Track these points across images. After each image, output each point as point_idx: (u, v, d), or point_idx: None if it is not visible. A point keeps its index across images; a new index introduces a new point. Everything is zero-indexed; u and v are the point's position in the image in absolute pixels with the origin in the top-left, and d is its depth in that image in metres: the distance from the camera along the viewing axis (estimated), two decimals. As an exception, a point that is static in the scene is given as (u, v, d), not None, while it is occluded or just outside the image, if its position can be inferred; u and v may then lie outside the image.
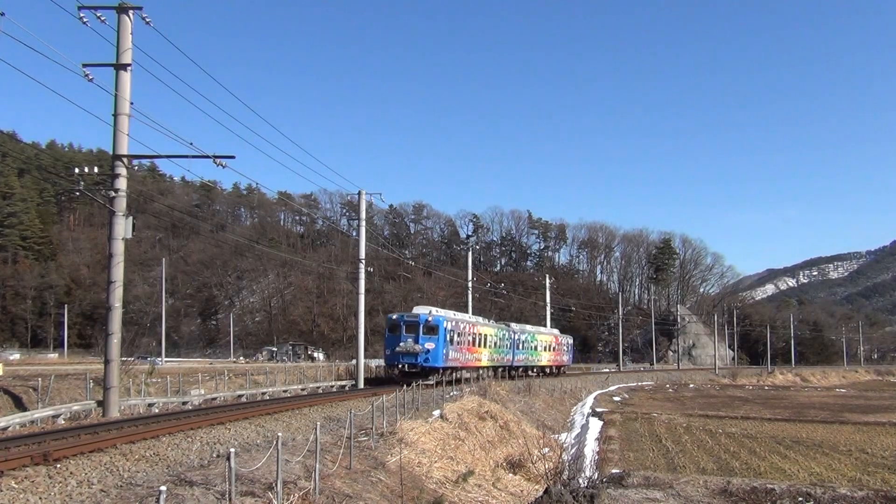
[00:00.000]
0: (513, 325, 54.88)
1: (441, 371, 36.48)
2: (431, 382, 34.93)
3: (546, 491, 12.36)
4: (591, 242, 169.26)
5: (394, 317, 38.22)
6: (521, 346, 53.39)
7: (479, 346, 44.01)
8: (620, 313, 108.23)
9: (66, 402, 23.21)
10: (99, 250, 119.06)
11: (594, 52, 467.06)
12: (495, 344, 47.49)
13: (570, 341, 72.88)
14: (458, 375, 39.35)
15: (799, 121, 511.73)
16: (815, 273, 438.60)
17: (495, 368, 47.96)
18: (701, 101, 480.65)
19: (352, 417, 14.63)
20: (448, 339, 37.51)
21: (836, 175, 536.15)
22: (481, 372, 43.93)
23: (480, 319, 48.21)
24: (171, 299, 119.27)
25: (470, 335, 42.15)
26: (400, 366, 36.31)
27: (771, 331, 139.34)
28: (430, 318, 36.90)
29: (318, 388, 36.96)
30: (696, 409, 47.65)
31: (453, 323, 39.11)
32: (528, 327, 59.15)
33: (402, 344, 36.09)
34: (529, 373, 55.97)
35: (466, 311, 54.61)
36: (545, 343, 60.44)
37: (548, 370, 61.06)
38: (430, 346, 36.01)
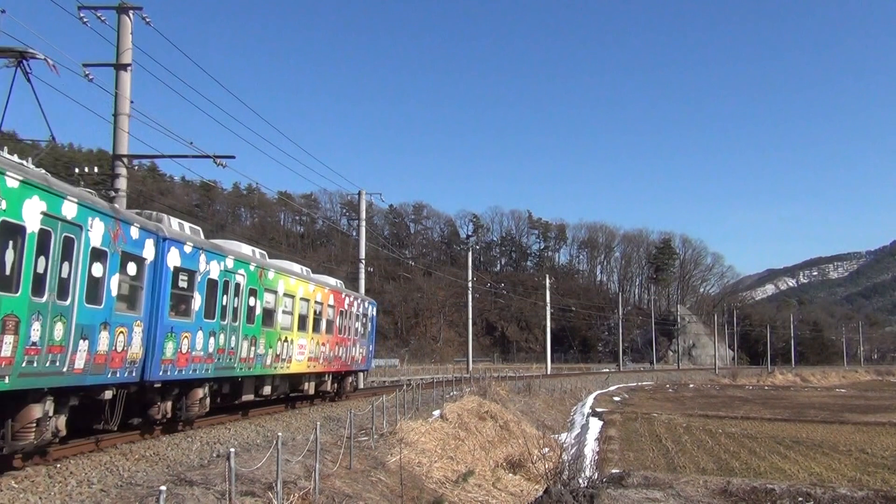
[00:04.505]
0: (187, 229, 15.66)
1: None
2: None
3: (546, 491, 12.36)
4: (591, 242, 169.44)
5: None
6: (204, 308, 15.42)
7: None
8: (620, 313, 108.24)
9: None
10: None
11: (595, 53, 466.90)
12: (40, 283, 10.12)
13: (373, 312, 30.98)
14: None
15: (799, 121, 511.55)
16: (815, 273, 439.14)
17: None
18: (701, 101, 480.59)
19: (352, 417, 14.62)
20: None
21: (836, 175, 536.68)
22: None
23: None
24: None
25: None
26: None
27: (771, 331, 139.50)
28: None
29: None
30: (696, 409, 47.66)
31: None
32: (245, 248, 18.85)
33: None
34: (246, 400, 18.85)
35: (466, 313, 52.35)
36: (313, 306, 22.84)
37: (307, 387, 23.13)
38: None
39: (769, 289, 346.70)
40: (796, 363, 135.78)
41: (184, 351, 14.51)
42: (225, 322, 16.42)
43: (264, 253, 19.84)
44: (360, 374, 30.52)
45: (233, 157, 21.30)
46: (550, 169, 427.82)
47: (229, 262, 16.71)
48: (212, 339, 15.74)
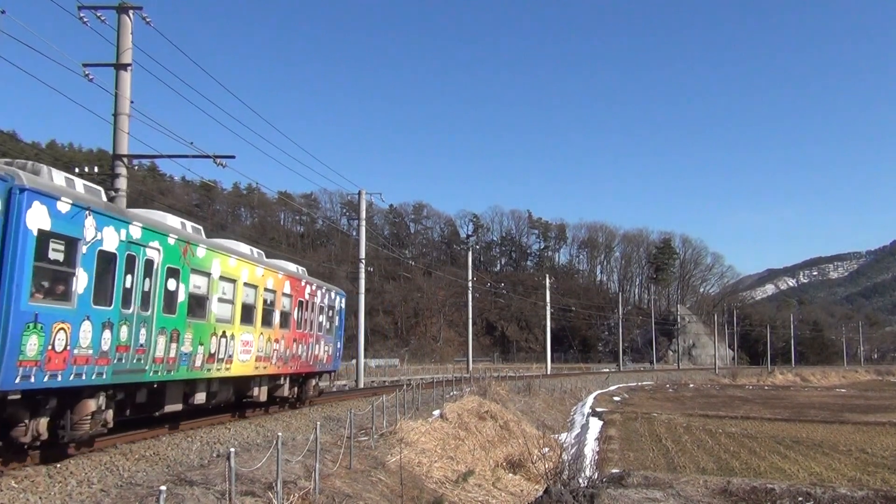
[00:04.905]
0: (80, 186, 11.87)
1: None
2: None
3: (546, 491, 12.37)
4: (591, 242, 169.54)
5: None
6: (94, 291, 11.29)
7: None
8: (620, 313, 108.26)
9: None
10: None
11: (595, 53, 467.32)
12: None
13: (342, 303, 27.07)
14: None
15: (799, 121, 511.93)
16: (815, 273, 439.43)
17: None
18: (701, 101, 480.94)
19: (352, 417, 14.62)
20: None
21: (836, 175, 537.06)
22: None
23: None
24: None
25: None
26: None
27: (771, 331, 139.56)
28: None
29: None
30: (696, 408, 47.67)
31: None
32: (171, 220, 15.17)
33: None
34: (172, 411, 14.93)
35: (466, 313, 52.38)
36: (263, 294, 18.88)
37: (258, 393, 19.33)
38: None
39: (769, 289, 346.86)
40: (796, 363, 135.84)
41: (59, 349, 10.38)
42: (129, 310, 12.24)
43: (200, 228, 16.36)
44: (319, 378, 25.50)
45: (233, 157, 21.32)
46: (550, 169, 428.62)
47: (135, 231, 12.44)
48: (107, 333, 11.55)
